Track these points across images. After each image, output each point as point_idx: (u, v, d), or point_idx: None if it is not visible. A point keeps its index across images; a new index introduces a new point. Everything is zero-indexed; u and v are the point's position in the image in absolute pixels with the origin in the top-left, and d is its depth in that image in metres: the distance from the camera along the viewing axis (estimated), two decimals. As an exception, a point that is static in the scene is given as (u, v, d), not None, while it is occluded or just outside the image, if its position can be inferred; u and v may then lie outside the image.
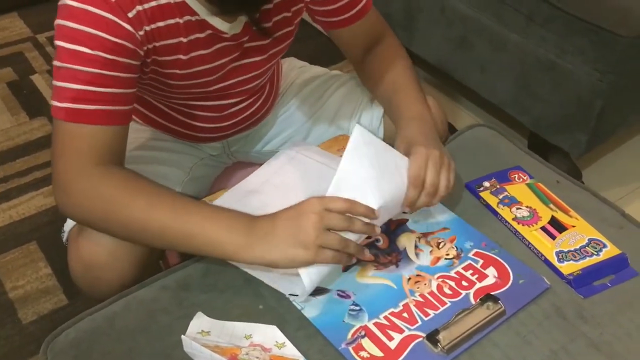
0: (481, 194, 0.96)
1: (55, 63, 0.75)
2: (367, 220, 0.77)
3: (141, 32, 0.76)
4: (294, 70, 1.17)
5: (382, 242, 0.88)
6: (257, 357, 0.72)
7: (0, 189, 1.58)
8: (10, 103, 1.84)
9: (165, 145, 1.02)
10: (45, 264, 1.39)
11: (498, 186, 0.97)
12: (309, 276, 0.76)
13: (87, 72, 0.73)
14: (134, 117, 1.02)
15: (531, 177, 0.99)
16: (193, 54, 0.83)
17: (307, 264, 0.75)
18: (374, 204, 0.77)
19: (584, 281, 0.83)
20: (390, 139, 1.00)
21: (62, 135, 0.76)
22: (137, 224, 0.77)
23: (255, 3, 0.74)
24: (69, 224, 0.89)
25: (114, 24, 0.73)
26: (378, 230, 0.78)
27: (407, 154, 0.84)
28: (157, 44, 0.79)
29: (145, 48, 0.78)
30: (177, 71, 0.84)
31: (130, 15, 0.74)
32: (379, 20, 1.02)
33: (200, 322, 0.77)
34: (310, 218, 0.74)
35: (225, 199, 0.92)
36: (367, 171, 0.78)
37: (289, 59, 1.21)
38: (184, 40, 0.81)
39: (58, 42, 0.74)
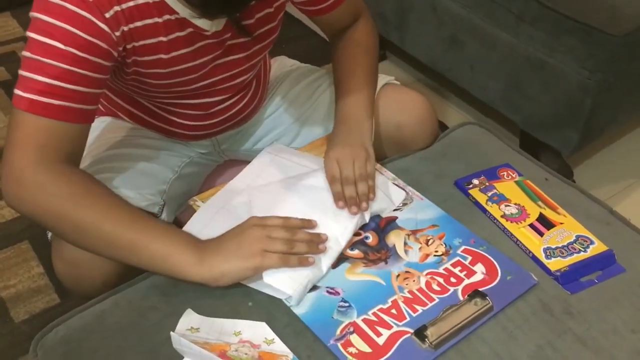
0: (470, 191, 0.96)
1: (25, 53, 0.74)
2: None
3: (117, 33, 0.76)
4: (285, 68, 1.18)
5: (372, 239, 0.89)
6: (246, 354, 0.73)
7: (-8, 189, 1.58)
8: (3, 102, 1.84)
9: (153, 143, 1.02)
10: (37, 263, 1.39)
11: (487, 184, 0.98)
12: (279, 281, 0.79)
13: (56, 67, 0.73)
14: (121, 115, 1.02)
15: (520, 175, 1.00)
16: (174, 53, 0.83)
17: (255, 271, 0.78)
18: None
19: (571, 277, 0.84)
20: (380, 134, 1.03)
21: (21, 125, 0.75)
22: (89, 228, 0.76)
23: (236, 5, 0.74)
24: None
25: (89, 22, 0.73)
26: (325, 237, 0.85)
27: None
28: (136, 44, 0.79)
29: (120, 49, 0.78)
30: (160, 70, 0.84)
31: (107, 15, 0.74)
32: (358, 5, 1.06)
33: (189, 319, 0.77)
34: (252, 230, 0.80)
35: (210, 205, 0.92)
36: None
37: (280, 58, 1.21)
38: (164, 39, 0.81)
39: (30, 34, 0.73)
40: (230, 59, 0.92)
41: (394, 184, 0.98)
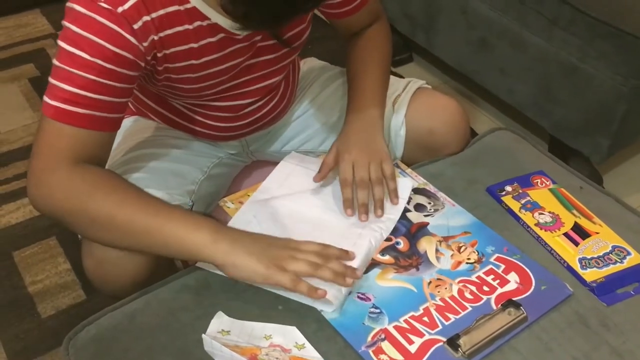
0: (503, 198, 0.95)
1: (54, 62, 0.75)
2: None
3: (145, 43, 0.76)
4: (314, 71, 1.17)
5: (403, 244, 0.88)
6: (277, 358, 0.72)
7: (21, 184, 1.60)
8: (32, 99, 1.86)
9: (182, 143, 1.02)
10: (65, 259, 1.40)
11: (520, 191, 0.96)
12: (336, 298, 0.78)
13: (82, 77, 0.74)
14: (151, 115, 1.02)
15: (554, 183, 0.98)
16: (205, 58, 0.83)
17: (263, 280, 0.77)
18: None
19: (607, 289, 0.82)
20: (412, 138, 1.02)
21: (46, 132, 0.77)
22: (103, 220, 0.76)
23: (281, 21, 0.72)
24: None
25: (117, 34, 0.73)
26: (349, 281, 0.79)
27: (337, 158, 0.93)
28: (167, 52, 0.79)
29: (149, 58, 0.78)
30: (191, 75, 0.84)
31: (135, 26, 0.74)
32: (375, 7, 1.05)
33: (220, 321, 0.77)
34: (278, 250, 0.78)
35: (236, 221, 0.90)
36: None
37: (309, 59, 1.21)
38: (195, 45, 0.81)
39: (60, 43, 0.75)
40: (261, 60, 0.92)
41: (401, 173, 0.97)
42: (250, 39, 0.86)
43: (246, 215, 0.90)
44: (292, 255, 0.78)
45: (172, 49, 0.80)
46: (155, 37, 0.77)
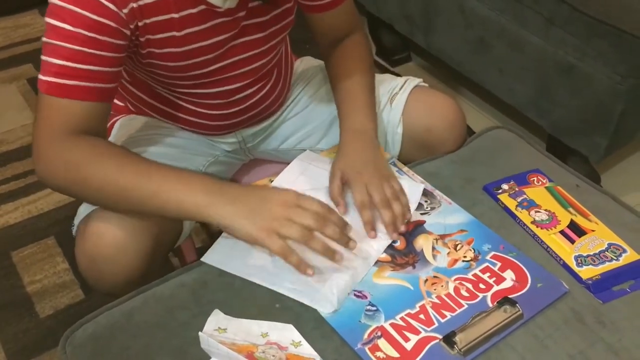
0: (499, 196, 0.95)
1: (43, 38, 0.78)
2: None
3: (125, 10, 0.77)
4: (311, 69, 1.17)
5: (399, 242, 0.88)
6: (274, 356, 0.73)
7: (19, 184, 1.60)
8: (30, 99, 1.86)
9: (178, 142, 1.03)
10: (63, 259, 1.41)
11: (517, 189, 0.96)
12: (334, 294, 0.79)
13: (67, 48, 0.76)
14: (146, 110, 1.02)
15: (550, 181, 0.98)
16: (187, 30, 0.84)
17: (255, 243, 0.78)
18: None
19: (603, 286, 0.83)
20: (409, 136, 1.01)
21: (42, 107, 0.79)
22: (102, 186, 0.79)
23: None
24: (79, 217, 0.90)
25: (96, 3, 0.75)
26: (353, 244, 0.81)
27: (344, 181, 0.92)
28: (147, 21, 0.80)
29: (132, 27, 0.79)
30: (173, 49, 0.85)
31: None
32: (352, 14, 1.06)
33: (217, 319, 0.77)
34: (277, 206, 0.78)
35: None
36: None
37: (306, 58, 1.21)
38: (176, 16, 0.82)
39: (46, 19, 0.77)
40: (247, 40, 0.92)
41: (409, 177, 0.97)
42: (232, 14, 0.87)
43: None
44: (289, 216, 0.77)
45: (153, 18, 0.80)
46: (135, 5, 0.78)
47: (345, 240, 0.81)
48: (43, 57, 0.77)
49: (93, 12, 0.75)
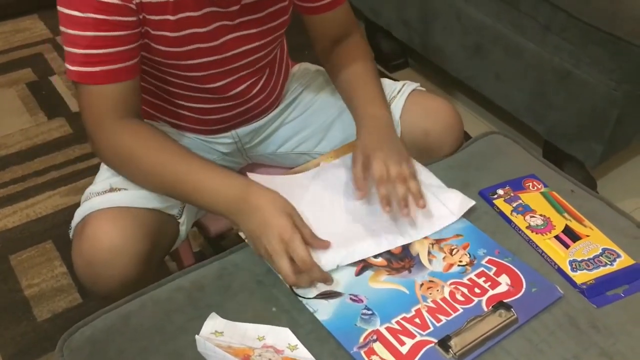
0: (495, 201, 0.96)
1: (60, 28, 0.81)
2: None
3: None
4: (309, 73, 1.18)
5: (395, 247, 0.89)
6: (270, 359, 0.73)
7: (18, 188, 1.61)
8: (29, 104, 1.87)
9: None
10: (61, 263, 1.41)
11: (512, 194, 0.97)
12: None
13: (84, 36, 0.79)
14: (146, 109, 1.03)
15: (545, 186, 0.99)
16: (181, 15, 0.85)
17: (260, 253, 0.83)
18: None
19: (597, 291, 0.83)
20: (407, 140, 1.03)
21: (81, 95, 0.85)
22: (152, 175, 0.86)
23: None
24: (76, 220, 0.90)
25: None
26: (330, 281, 0.82)
27: (366, 163, 0.91)
28: (144, 0, 0.82)
29: (135, 2, 0.81)
30: (167, 33, 0.85)
31: None
32: (350, 15, 1.07)
33: (213, 322, 0.78)
34: (272, 239, 0.79)
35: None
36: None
37: (304, 64, 1.22)
38: None
39: (59, 8, 0.80)
40: (243, 34, 0.93)
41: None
42: (226, 5, 0.88)
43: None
44: (278, 253, 0.79)
45: None
46: None
47: (321, 278, 0.82)
48: (65, 48, 0.82)
49: None
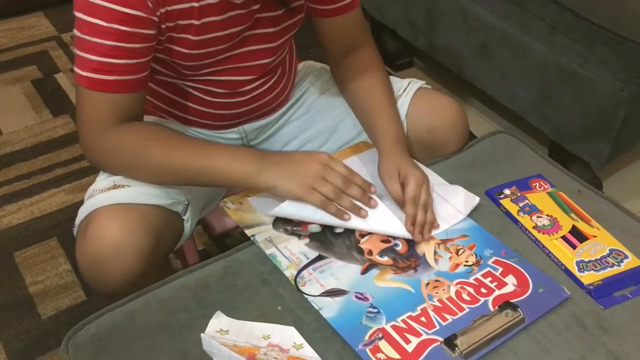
0: (501, 201, 0.96)
1: (76, 32, 0.81)
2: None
3: None
4: (314, 71, 1.18)
5: (401, 246, 0.88)
6: (275, 358, 0.73)
7: (22, 185, 1.61)
8: (34, 101, 1.87)
9: None
10: (65, 260, 1.41)
11: (519, 194, 0.97)
12: (290, 207, 0.89)
13: (103, 45, 0.79)
14: (156, 102, 1.03)
15: (552, 186, 0.98)
16: (205, 19, 0.86)
17: (297, 198, 0.88)
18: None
19: (604, 291, 0.83)
20: (411, 136, 1.04)
21: (85, 101, 0.84)
22: (158, 168, 0.87)
23: None
24: (79, 217, 0.90)
25: None
26: (374, 204, 0.90)
27: (399, 176, 0.92)
28: (169, 8, 0.82)
29: (158, 13, 0.81)
30: (190, 37, 0.86)
31: None
32: (362, 23, 1.07)
33: (219, 321, 0.78)
34: (313, 165, 0.88)
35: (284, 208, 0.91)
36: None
37: (309, 62, 1.21)
38: (196, 5, 0.84)
39: (77, 13, 0.80)
40: (260, 32, 0.93)
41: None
42: (248, 6, 0.89)
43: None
44: (323, 176, 0.87)
45: (175, 6, 0.83)
46: None
47: (367, 199, 0.90)
48: (79, 52, 0.81)
49: (123, 5, 0.78)
